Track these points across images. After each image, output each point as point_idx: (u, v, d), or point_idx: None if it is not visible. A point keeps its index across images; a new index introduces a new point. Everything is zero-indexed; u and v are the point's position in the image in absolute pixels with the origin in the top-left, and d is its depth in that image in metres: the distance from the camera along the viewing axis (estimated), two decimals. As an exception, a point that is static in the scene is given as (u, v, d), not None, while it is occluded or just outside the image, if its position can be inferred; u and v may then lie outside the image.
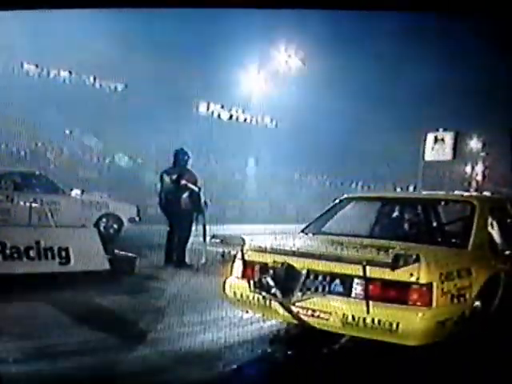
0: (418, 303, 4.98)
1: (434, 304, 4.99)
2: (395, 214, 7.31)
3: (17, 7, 3.66)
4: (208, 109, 28.94)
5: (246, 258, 5.97)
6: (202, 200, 10.49)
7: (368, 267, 5.02)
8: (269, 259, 5.73)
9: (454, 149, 16.15)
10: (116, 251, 9.52)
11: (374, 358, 5.34)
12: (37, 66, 22.63)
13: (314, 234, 6.70)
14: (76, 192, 13.69)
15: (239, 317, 6.73)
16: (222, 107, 29.26)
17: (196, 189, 10.40)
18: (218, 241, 7.06)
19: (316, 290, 5.41)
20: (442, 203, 7.42)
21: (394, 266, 4.94)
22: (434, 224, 7.34)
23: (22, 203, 11.68)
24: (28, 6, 3.73)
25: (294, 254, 5.67)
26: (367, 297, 5.07)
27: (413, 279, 4.97)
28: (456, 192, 9.14)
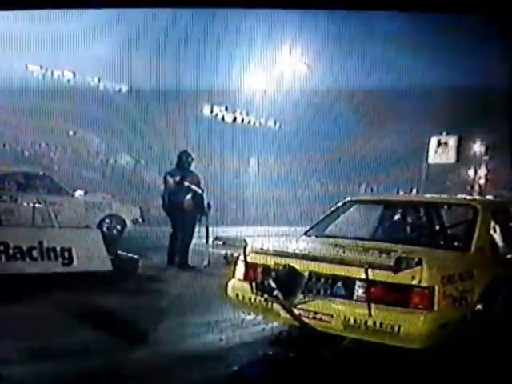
0: (420, 306, 4.98)
1: (436, 307, 4.99)
2: (398, 216, 7.31)
3: (17, 7, 3.67)
4: (212, 111, 28.94)
5: (249, 259, 5.98)
6: (206, 202, 10.50)
7: (370, 270, 5.03)
8: (271, 261, 5.74)
9: (458, 152, 16.14)
10: (119, 252, 9.53)
11: (376, 361, 5.35)
12: (41, 66, 22.67)
13: (316, 237, 6.70)
14: (79, 193, 13.71)
15: (241, 319, 6.75)
16: (226, 109, 29.26)
17: (199, 190, 10.42)
18: (220, 242, 7.09)
19: (318, 292, 5.42)
20: (445, 206, 7.42)
21: (396, 268, 4.95)
22: (437, 227, 7.34)
23: (25, 204, 11.69)
24: (28, 6, 3.75)
25: (296, 256, 5.69)
26: (369, 299, 5.08)
27: (415, 282, 4.98)
28: (459, 195, 9.14)
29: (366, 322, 5.07)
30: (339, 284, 5.36)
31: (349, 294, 5.29)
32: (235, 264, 6.22)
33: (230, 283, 6.19)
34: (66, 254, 8.61)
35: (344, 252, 5.60)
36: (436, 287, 4.99)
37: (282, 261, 5.65)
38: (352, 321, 5.16)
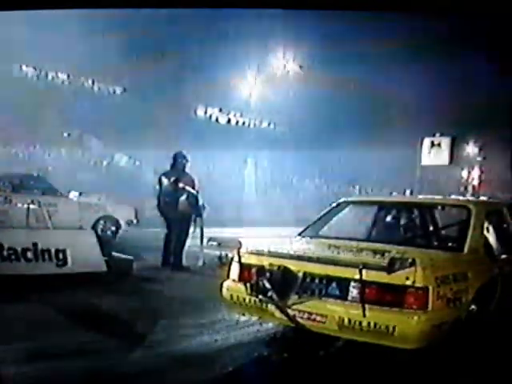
0: (414, 307, 4.99)
1: (430, 307, 5.00)
2: (392, 217, 7.33)
3: (17, 7, 3.65)
4: (206, 112, 28.96)
5: (243, 260, 5.99)
6: (200, 203, 10.52)
7: (364, 271, 5.04)
8: (265, 262, 5.75)
9: (451, 154, 16.22)
10: (113, 253, 9.53)
11: (370, 361, 5.36)
12: (35, 68, 22.65)
13: (311, 238, 6.72)
14: (74, 194, 13.72)
15: (236, 319, 6.76)
16: (220, 111, 29.29)
17: (194, 192, 10.45)
18: (215, 243, 7.09)
19: (312, 293, 5.43)
20: (439, 207, 7.45)
21: (389, 269, 4.96)
22: (430, 228, 7.38)
23: (19, 205, 11.69)
24: (28, 6, 3.74)
25: (290, 257, 5.69)
26: (363, 300, 5.09)
27: (409, 283, 4.99)
28: (452, 196, 9.17)
29: (360, 323, 5.08)
30: (334, 285, 5.36)
31: (343, 295, 5.30)
32: (230, 265, 6.23)
33: (225, 284, 6.19)
34: (61, 256, 8.61)
35: (338, 253, 5.62)
36: (430, 288, 5.01)
37: (277, 261, 5.66)
38: (346, 321, 5.17)
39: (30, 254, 8.44)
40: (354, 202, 7.92)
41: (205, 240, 10.23)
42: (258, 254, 5.91)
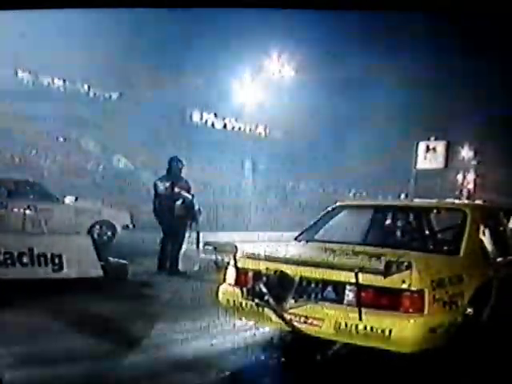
0: (410, 310, 5.00)
1: (426, 311, 5.01)
2: (387, 221, 7.35)
3: (16, 7, 3.64)
4: (202, 117, 29.03)
5: (239, 265, 5.99)
6: (196, 207, 10.53)
7: (360, 274, 5.04)
8: (262, 266, 5.74)
9: (446, 157, 16.28)
10: (109, 258, 9.52)
11: (367, 365, 5.36)
12: (30, 72, 22.68)
13: (307, 242, 6.73)
14: (70, 199, 13.71)
15: (232, 324, 6.75)
16: (216, 116, 29.36)
17: (189, 196, 10.45)
18: (211, 248, 7.07)
19: (309, 297, 5.43)
20: (434, 211, 7.47)
21: (386, 273, 4.96)
22: (426, 231, 7.39)
23: (15, 210, 11.68)
24: (27, 6, 3.73)
25: (286, 261, 5.69)
26: (359, 304, 5.09)
27: (405, 286, 4.99)
28: (448, 200, 9.19)
29: (356, 326, 5.08)
30: (330, 288, 5.37)
31: (339, 299, 5.30)
32: (226, 269, 6.23)
33: (221, 288, 6.20)
34: (57, 260, 8.60)
35: (334, 256, 5.61)
36: (426, 291, 5.01)
37: (273, 266, 5.66)
38: (343, 325, 5.17)
39: (25, 259, 8.43)
40: (349, 206, 7.94)
41: (201, 244, 10.23)
42: (255, 258, 5.91)
